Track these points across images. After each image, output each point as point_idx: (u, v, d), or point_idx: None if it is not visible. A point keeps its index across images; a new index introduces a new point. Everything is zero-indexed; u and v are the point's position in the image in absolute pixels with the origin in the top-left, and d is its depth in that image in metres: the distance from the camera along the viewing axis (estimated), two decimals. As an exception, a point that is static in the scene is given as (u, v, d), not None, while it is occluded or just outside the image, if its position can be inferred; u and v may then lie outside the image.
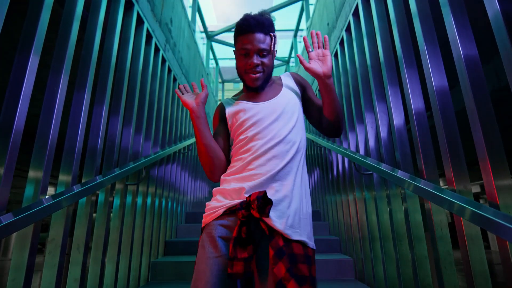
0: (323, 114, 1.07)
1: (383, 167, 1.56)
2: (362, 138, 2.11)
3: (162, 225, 2.58)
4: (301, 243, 0.87)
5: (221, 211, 0.93)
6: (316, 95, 1.17)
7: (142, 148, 2.17)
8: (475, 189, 10.73)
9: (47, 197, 1.21)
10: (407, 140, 1.58)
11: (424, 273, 1.41)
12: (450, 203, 1.02)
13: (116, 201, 1.90)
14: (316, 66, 1.01)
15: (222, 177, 1.02)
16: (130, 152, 1.98)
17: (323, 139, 2.97)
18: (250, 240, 0.84)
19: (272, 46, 1.05)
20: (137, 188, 2.10)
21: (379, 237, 1.89)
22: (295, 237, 0.86)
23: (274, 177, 0.92)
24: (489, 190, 0.99)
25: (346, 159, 2.42)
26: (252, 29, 1.01)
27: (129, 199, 2.01)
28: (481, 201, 11.14)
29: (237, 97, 1.14)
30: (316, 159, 3.48)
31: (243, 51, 1.03)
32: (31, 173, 1.22)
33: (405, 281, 1.57)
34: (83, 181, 1.54)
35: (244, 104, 1.07)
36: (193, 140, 3.44)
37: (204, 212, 1.00)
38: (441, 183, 1.32)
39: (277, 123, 1.00)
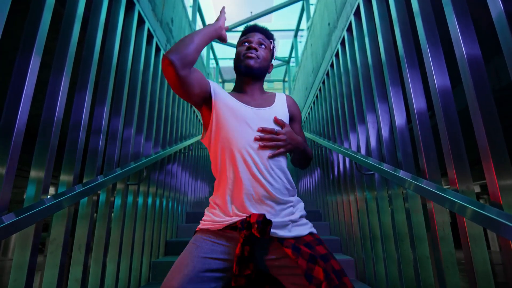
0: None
1: (385, 167, 1.56)
2: (364, 138, 2.11)
3: (163, 225, 2.58)
4: (309, 233, 0.96)
5: (221, 226, 0.95)
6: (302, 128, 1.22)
7: (143, 148, 2.17)
8: (475, 189, 10.73)
9: (48, 197, 1.21)
10: (409, 139, 1.58)
11: (426, 273, 1.41)
12: (452, 203, 1.02)
13: (117, 201, 1.90)
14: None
15: (216, 191, 1.03)
16: (131, 152, 1.98)
17: (324, 139, 2.97)
18: (252, 257, 0.88)
19: (271, 48, 1.14)
20: (138, 188, 2.10)
21: (380, 237, 1.88)
22: (302, 232, 0.94)
23: (267, 196, 0.95)
24: (492, 190, 0.98)
25: (347, 159, 2.41)
26: (256, 30, 1.14)
27: (130, 199, 2.01)
28: (481, 201, 11.13)
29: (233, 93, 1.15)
30: (317, 159, 3.48)
31: (244, 41, 1.12)
32: (33, 173, 1.22)
33: (406, 281, 1.57)
34: (84, 181, 1.54)
35: (236, 102, 1.06)
36: (193, 140, 3.44)
37: (203, 211, 1.04)
38: (443, 183, 1.31)
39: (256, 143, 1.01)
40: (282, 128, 1.03)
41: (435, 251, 1.32)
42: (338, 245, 2.57)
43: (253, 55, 1.08)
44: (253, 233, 0.86)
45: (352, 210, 2.32)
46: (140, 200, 2.16)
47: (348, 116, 2.36)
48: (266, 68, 1.13)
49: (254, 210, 0.93)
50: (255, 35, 1.12)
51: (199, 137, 3.79)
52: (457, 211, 1.00)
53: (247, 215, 0.91)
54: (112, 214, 1.84)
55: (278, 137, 0.99)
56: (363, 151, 2.08)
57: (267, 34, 1.15)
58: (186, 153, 3.32)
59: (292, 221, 0.95)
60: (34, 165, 1.23)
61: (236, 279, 0.86)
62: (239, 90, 1.15)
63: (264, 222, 0.86)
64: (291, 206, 0.99)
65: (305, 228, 0.96)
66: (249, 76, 1.11)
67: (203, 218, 1.03)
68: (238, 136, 0.99)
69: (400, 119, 1.61)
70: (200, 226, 1.01)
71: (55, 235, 1.35)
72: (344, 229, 2.47)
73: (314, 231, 0.98)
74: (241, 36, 1.17)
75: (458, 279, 1.24)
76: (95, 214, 1.61)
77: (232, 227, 0.93)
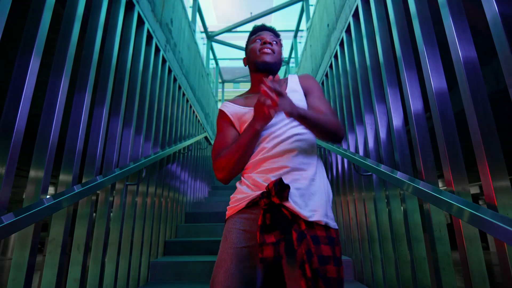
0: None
1: (383, 168, 1.57)
2: (362, 139, 2.12)
3: (162, 225, 2.58)
4: (323, 226, 0.89)
5: (244, 204, 0.95)
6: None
7: (142, 148, 2.17)
8: (474, 190, 10.74)
9: (47, 197, 1.22)
10: (406, 141, 1.59)
11: (422, 274, 1.42)
12: (448, 204, 1.03)
13: (116, 201, 1.90)
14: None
15: (243, 173, 1.04)
16: (130, 152, 1.98)
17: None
18: (275, 225, 0.86)
19: (281, 46, 1.17)
20: (137, 188, 2.11)
21: (378, 238, 1.89)
22: (315, 218, 0.88)
23: (293, 169, 0.95)
24: (487, 191, 0.99)
25: (345, 160, 2.42)
26: (266, 29, 1.17)
27: (129, 199, 2.02)
28: (480, 202, 11.14)
29: (242, 97, 1.16)
30: (315, 160, 3.48)
31: (257, 38, 1.14)
32: (32, 173, 1.23)
33: (404, 281, 1.58)
34: (83, 181, 1.55)
35: (248, 106, 1.09)
36: (192, 140, 3.45)
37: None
38: (440, 184, 1.33)
39: (284, 121, 1.02)
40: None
41: (431, 252, 1.33)
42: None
43: (269, 50, 1.10)
44: (273, 202, 0.87)
45: (350, 211, 2.32)
46: (139, 200, 2.16)
47: (347, 117, 2.37)
48: (281, 63, 1.16)
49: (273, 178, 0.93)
50: (266, 33, 1.14)
51: (198, 138, 3.80)
52: (452, 213, 1.01)
53: (267, 184, 0.91)
54: (111, 214, 1.85)
55: (275, 87, 0.90)
56: (361, 152, 2.09)
57: (276, 33, 1.18)
58: (186, 154, 3.33)
59: (310, 192, 0.93)
60: (33, 165, 1.24)
61: (261, 249, 0.82)
62: (254, 90, 1.16)
63: (281, 184, 0.86)
64: (310, 175, 0.97)
65: (325, 217, 0.90)
66: (267, 72, 1.12)
67: (230, 202, 1.03)
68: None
69: (397, 120, 1.62)
70: (227, 212, 1.01)
71: (54, 235, 1.35)
72: (343, 230, 2.48)
73: (333, 225, 0.91)
74: (251, 35, 1.19)
75: (455, 280, 1.25)
76: (94, 214, 1.62)
77: (254, 202, 0.93)
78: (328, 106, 1.07)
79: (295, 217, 0.88)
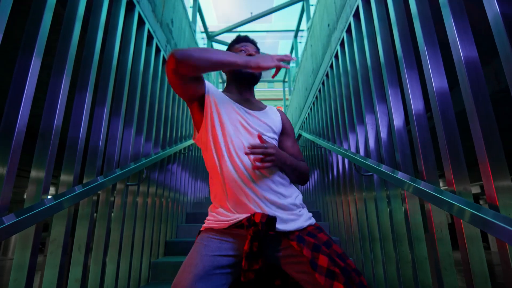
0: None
1: (383, 168, 1.57)
2: (362, 139, 2.12)
3: (163, 225, 2.58)
4: (308, 224, 1.00)
5: (226, 225, 0.96)
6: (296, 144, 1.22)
7: (143, 148, 2.18)
8: (475, 190, 10.73)
9: (49, 197, 1.22)
10: (407, 141, 1.58)
11: (424, 274, 1.42)
12: (449, 204, 1.02)
13: (117, 202, 1.91)
14: None
15: (213, 190, 1.05)
16: (131, 152, 1.99)
17: (324, 140, 2.98)
18: (261, 253, 0.90)
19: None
20: (137, 188, 2.11)
21: (379, 238, 1.89)
22: (304, 224, 0.98)
23: (266, 192, 0.98)
24: (489, 191, 0.99)
25: (346, 160, 2.42)
26: (248, 41, 1.21)
27: (130, 199, 2.02)
28: (481, 202, 11.14)
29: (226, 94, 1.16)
30: (316, 160, 3.49)
31: (240, 49, 1.16)
32: (33, 173, 1.23)
33: (405, 282, 1.58)
34: (84, 181, 1.55)
35: (230, 102, 1.08)
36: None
37: (207, 212, 1.07)
38: (441, 184, 1.32)
39: (265, 137, 1.08)
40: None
41: (433, 252, 1.33)
42: (338, 245, 2.57)
43: None
44: (260, 230, 0.89)
45: (351, 211, 2.32)
46: (140, 200, 2.16)
47: (347, 117, 2.37)
48: (259, 78, 1.20)
49: (254, 207, 0.96)
50: (250, 46, 1.18)
51: (199, 138, 3.79)
52: (454, 213, 1.00)
53: (251, 213, 0.93)
54: (112, 214, 1.85)
55: (267, 151, 0.96)
56: (362, 152, 2.08)
57: (257, 47, 1.22)
58: (186, 154, 3.33)
59: (293, 214, 0.99)
60: (34, 165, 1.24)
61: (245, 274, 0.88)
62: (234, 93, 1.16)
63: (269, 221, 0.90)
64: (289, 200, 1.02)
65: (306, 219, 1.00)
66: (251, 83, 1.17)
67: (207, 218, 1.05)
68: (231, 137, 1.01)
69: (398, 120, 1.61)
70: (205, 225, 1.03)
71: (55, 235, 1.35)
72: (344, 230, 2.48)
73: (314, 221, 1.04)
74: (234, 43, 1.21)
75: (456, 280, 1.24)
76: (95, 214, 1.62)
77: (237, 225, 0.95)
78: (300, 151, 1.19)
79: (285, 233, 0.95)
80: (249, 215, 0.92)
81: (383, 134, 1.78)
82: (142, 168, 2.01)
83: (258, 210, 0.95)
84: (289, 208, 0.99)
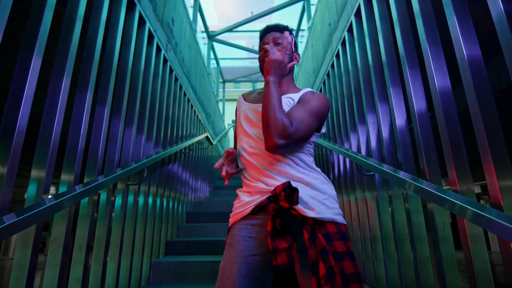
0: None
1: (385, 167, 1.56)
2: (364, 138, 2.11)
3: (163, 225, 2.58)
4: (333, 222, 0.88)
5: (249, 210, 0.94)
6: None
7: (143, 148, 2.17)
8: (476, 189, 10.72)
9: (49, 197, 1.21)
10: (409, 140, 1.58)
11: (426, 274, 1.41)
12: (452, 204, 1.02)
13: (118, 201, 1.90)
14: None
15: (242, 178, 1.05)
16: (131, 152, 1.98)
17: (325, 139, 2.97)
18: (286, 230, 0.85)
19: (287, 41, 1.08)
20: (138, 188, 2.10)
21: (380, 238, 1.88)
22: (325, 215, 0.86)
23: (287, 173, 0.94)
24: (492, 191, 0.99)
25: (347, 160, 2.41)
26: (268, 31, 1.15)
27: (130, 199, 2.01)
28: (481, 202, 11.12)
29: (256, 90, 1.19)
30: (317, 160, 3.48)
31: (262, 46, 1.13)
32: (34, 173, 1.22)
33: (407, 282, 1.57)
34: (85, 180, 1.54)
35: (244, 104, 1.12)
36: (194, 140, 3.44)
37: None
38: (443, 184, 1.31)
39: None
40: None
41: (435, 252, 1.32)
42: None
43: None
44: (282, 206, 0.86)
45: (352, 211, 2.32)
46: (141, 200, 2.16)
47: (349, 117, 2.36)
48: (285, 66, 1.07)
49: (279, 179, 0.92)
50: (269, 36, 1.12)
51: (199, 137, 3.79)
52: (457, 212, 1.00)
53: (272, 188, 0.90)
54: (113, 214, 1.84)
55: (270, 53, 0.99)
56: (363, 151, 2.08)
57: (280, 29, 1.14)
58: (187, 153, 3.32)
59: (319, 197, 0.91)
60: (35, 164, 1.23)
61: (275, 256, 0.82)
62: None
63: (290, 189, 0.85)
64: (318, 181, 0.95)
65: (333, 214, 0.89)
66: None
67: (233, 208, 1.02)
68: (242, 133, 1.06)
69: (400, 119, 1.61)
70: (230, 219, 1.00)
71: (56, 235, 1.35)
72: (344, 230, 2.47)
73: (341, 220, 0.90)
74: (260, 39, 1.18)
75: (459, 280, 1.24)
76: (95, 214, 1.62)
77: (259, 208, 0.92)
78: (301, 114, 0.93)
79: (304, 218, 0.87)
80: (270, 191, 0.90)
81: (385, 133, 1.78)
82: (143, 168, 2.00)
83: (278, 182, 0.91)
84: (316, 188, 0.92)
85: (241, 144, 1.04)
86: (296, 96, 1.04)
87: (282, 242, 0.83)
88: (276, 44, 1.09)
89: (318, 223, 0.86)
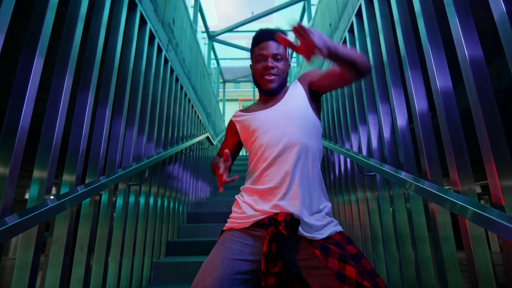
0: (343, 72, 0.98)
1: (386, 168, 1.56)
2: (365, 138, 2.11)
3: (164, 226, 2.58)
4: (336, 232, 0.93)
5: (248, 224, 0.95)
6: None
7: (144, 148, 2.17)
8: (476, 189, 10.71)
9: (51, 197, 1.22)
10: (411, 141, 1.58)
11: (427, 274, 1.41)
12: (454, 204, 1.02)
13: (119, 201, 1.90)
14: (308, 51, 0.88)
15: (244, 186, 1.06)
16: (132, 152, 1.98)
17: (326, 139, 2.97)
18: (280, 255, 0.87)
19: (286, 54, 1.11)
20: (139, 188, 2.10)
21: (381, 238, 1.88)
22: (328, 233, 0.91)
23: (292, 189, 0.95)
24: (494, 191, 0.99)
25: (348, 160, 2.42)
26: (266, 38, 1.09)
27: (131, 199, 2.02)
28: (482, 202, 11.13)
29: (250, 108, 1.19)
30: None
31: (259, 57, 1.09)
32: (36, 173, 1.22)
33: (408, 282, 1.57)
34: (86, 181, 1.55)
35: (250, 115, 1.12)
36: (194, 140, 3.44)
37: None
38: (445, 184, 1.32)
39: (279, 129, 1.02)
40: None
41: (436, 252, 1.32)
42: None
43: (272, 77, 1.07)
44: (280, 230, 0.86)
45: (353, 211, 2.32)
46: (142, 200, 2.16)
47: (350, 117, 2.36)
48: (286, 77, 1.13)
49: (283, 204, 0.93)
50: (268, 47, 1.07)
51: (200, 138, 3.79)
52: (458, 212, 1.00)
53: (275, 212, 0.91)
54: (114, 214, 1.84)
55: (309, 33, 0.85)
56: (364, 152, 2.08)
57: (279, 40, 1.08)
58: (188, 154, 3.32)
59: (319, 221, 0.93)
60: (37, 165, 1.23)
61: (265, 278, 0.85)
62: (262, 99, 1.18)
63: (292, 221, 0.86)
64: (318, 204, 0.98)
65: (332, 227, 0.94)
66: (272, 96, 1.13)
67: (230, 215, 1.03)
68: (261, 140, 1.04)
69: (401, 120, 1.61)
70: (227, 224, 1.01)
71: (58, 235, 1.35)
72: (346, 230, 2.48)
73: (341, 229, 0.96)
74: (253, 45, 1.12)
75: (460, 281, 1.24)
76: (97, 214, 1.62)
77: (259, 224, 0.93)
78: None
79: (309, 240, 0.90)
80: (272, 213, 0.91)
81: (386, 133, 1.78)
82: (144, 168, 2.00)
83: (282, 208, 0.92)
84: (316, 212, 0.95)
85: (261, 153, 1.02)
86: (294, 92, 1.10)
87: (275, 267, 0.85)
88: (276, 60, 1.08)
89: (325, 238, 0.90)
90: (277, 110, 1.06)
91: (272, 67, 1.07)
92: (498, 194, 0.97)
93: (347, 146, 2.42)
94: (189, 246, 2.64)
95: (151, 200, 2.29)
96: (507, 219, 0.82)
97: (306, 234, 0.89)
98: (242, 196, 1.04)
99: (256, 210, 0.96)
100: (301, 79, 1.15)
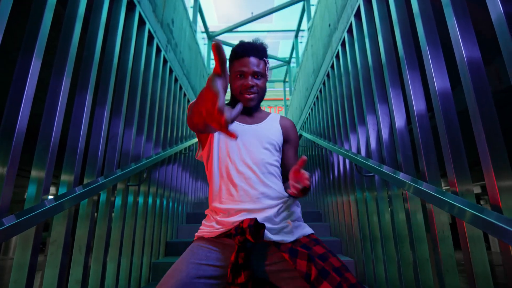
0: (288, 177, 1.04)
1: (385, 169, 1.56)
2: (364, 139, 2.11)
3: (163, 226, 2.58)
4: (304, 235, 0.96)
5: (215, 234, 0.97)
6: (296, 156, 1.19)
7: (143, 149, 2.17)
8: (476, 190, 10.71)
9: (49, 198, 1.22)
10: (409, 142, 1.58)
11: (425, 275, 1.41)
12: (452, 206, 1.02)
13: (118, 202, 1.90)
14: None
15: (212, 204, 1.06)
16: (131, 153, 1.98)
17: (324, 140, 2.97)
18: (247, 265, 0.88)
19: (265, 70, 1.10)
20: (138, 188, 2.10)
21: (380, 238, 1.88)
22: (295, 237, 0.94)
23: (257, 200, 0.97)
24: (492, 192, 0.99)
25: (347, 161, 2.41)
26: (247, 53, 1.07)
27: (130, 199, 2.01)
28: (482, 202, 11.12)
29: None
30: (316, 160, 3.48)
31: (238, 73, 1.07)
32: (34, 174, 1.22)
33: (406, 283, 1.57)
34: (85, 181, 1.54)
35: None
36: (194, 141, 3.44)
37: (204, 212, 1.09)
38: (443, 184, 1.32)
39: (257, 148, 1.05)
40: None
41: (434, 253, 1.32)
42: (339, 246, 2.57)
43: (251, 96, 1.07)
44: (248, 238, 0.87)
45: (352, 211, 2.32)
46: (141, 200, 2.16)
47: (349, 118, 2.36)
48: (264, 94, 1.13)
49: (247, 216, 0.95)
50: (248, 63, 1.05)
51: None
52: (456, 214, 1.00)
53: (241, 220, 0.93)
54: (113, 214, 1.84)
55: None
56: (363, 152, 2.08)
57: (260, 54, 1.08)
58: (187, 154, 3.32)
59: (286, 225, 0.96)
60: (35, 165, 1.23)
61: (230, 287, 0.86)
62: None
63: (256, 226, 0.88)
64: (285, 210, 1.00)
65: (300, 230, 0.97)
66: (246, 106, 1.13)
67: (200, 227, 1.07)
68: (230, 151, 1.05)
69: (400, 121, 1.61)
70: (197, 233, 1.05)
71: (56, 236, 1.35)
72: (344, 230, 2.47)
73: (310, 231, 0.99)
74: (233, 57, 1.09)
75: (458, 282, 1.24)
76: (95, 214, 1.62)
77: (227, 234, 0.95)
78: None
79: (276, 243, 0.92)
80: (238, 223, 0.92)
81: (385, 134, 1.78)
82: (143, 169, 2.00)
83: (248, 216, 0.94)
84: (283, 217, 0.98)
85: (229, 160, 1.04)
86: (270, 124, 1.14)
87: (240, 277, 0.87)
88: (256, 77, 1.07)
89: (293, 241, 0.93)
90: (257, 129, 1.10)
91: (252, 86, 1.06)
92: (495, 196, 0.97)
93: (346, 146, 2.42)
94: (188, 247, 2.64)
95: (150, 200, 2.29)
96: (504, 221, 0.82)
97: (274, 238, 0.91)
98: (210, 210, 1.08)
99: (222, 224, 0.98)
100: (285, 122, 1.18)
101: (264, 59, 1.10)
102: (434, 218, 1.31)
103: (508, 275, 0.95)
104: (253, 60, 1.06)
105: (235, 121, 1.10)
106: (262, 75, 1.08)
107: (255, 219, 0.89)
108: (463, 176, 1.17)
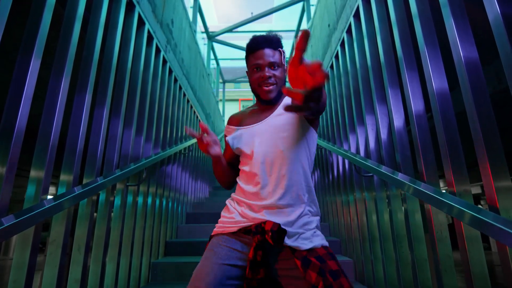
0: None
1: (384, 169, 1.57)
2: (363, 140, 2.11)
3: (163, 226, 2.58)
4: (322, 246, 0.94)
5: (235, 229, 0.97)
6: None
7: (143, 149, 2.17)
8: (476, 190, 10.71)
9: (49, 198, 1.22)
10: (408, 142, 1.58)
11: (424, 275, 1.41)
12: (450, 206, 1.02)
13: (117, 202, 1.90)
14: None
15: (233, 195, 1.08)
16: (131, 153, 1.98)
17: (324, 140, 2.98)
18: (265, 263, 0.88)
19: (282, 60, 1.08)
20: (137, 188, 2.11)
21: (379, 239, 1.89)
22: (313, 245, 0.92)
23: (278, 200, 0.96)
24: (489, 193, 0.99)
25: (346, 161, 2.42)
26: (261, 46, 1.06)
27: (129, 199, 2.02)
28: (482, 203, 11.12)
29: (247, 111, 1.17)
30: (316, 160, 3.48)
31: (254, 67, 1.06)
32: (33, 173, 1.23)
33: (405, 283, 1.57)
34: (84, 181, 1.55)
35: (242, 128, 1.12)
36: (193, 141, 3.45)
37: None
38: (441, 184, 1.32)
39: (271, 141, 1.03)
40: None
41: (433, 254, 1.32)
42: (338, 246, 2.57)
43: (270, 87, 1.05)
44: (267, 239, 0.88)
45: (351, 211, 2.32)
46: (140, 200, 2.16)
47: (348, 118, 2.36)
48: (284, 83, 1.11)
49: (269, 216, 0.94)
50: (263, 55, 1.04)
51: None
52: (454, 215, 1.00)
53: (263, 220, 0.93)
54: (112, 214, 1.85)
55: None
56: (362, 153, 2.08)
57: (274, 45, 1.07)
58: (186, 154, 3.33)
59: (304, 232, 0.95)
60: (34, 165, 1.24)
61: (248, 282, 0.87)
62: (262, 103, 1.14)
63: (279, 232, 0.88)
64: (305, 216, 0.99)
65: (317, 240, 0.95)
66: (271, 104, 1.11)
67: (219, 220, 1.05)
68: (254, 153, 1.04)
69: (398, 121, 1.61)
70: (215, 229, 1.03)
71: (55, 235, 1.35)
72: (344, 230, 2.48)
73: (327, 243, 0.97)
74: (248, 53, 1.09)
75: (456, 282, 1.24)
76: (94, 214, 1.62)
77: (246, 230, 0.95)
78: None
79: (293, 249, 0.91)
80: (260, 222, 0.93)
81: (383, 135, 1.78)
82: (142, 169, 2.00)
83: (270, 218, 0.93)
84: (302, 224, 0.96)
85: (253, 166, 1.03)
86: (280, 117, 1.09)
87: (258, 274, 0.87)
88: (273, 68, 1.05)
89: (308, 250, 0.91)
90: (267, 123, 1.08)
91: (269, 77, 1.04)
92: (493, 196, 0.97)
93: (345, 147, 2.43)
94: (188, 247, 2.65)
95: (150, 200, 2.29)
96: (502, 222, 0.82)
97: (290, 243, 0.90)
98: (231, 202, 1.07)
99: (243, 217, 0.98)
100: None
101: (279, 49, 1.08)
102: (432, 219, 1.31)
103: (506, 275, 0.95)
104: (267, 51, 1.05)
105: (240, 128, 1.12)
106: (278, 65, 1.06)
107: (279, 225, 0.89)
108: (461, 177, 1.17)
